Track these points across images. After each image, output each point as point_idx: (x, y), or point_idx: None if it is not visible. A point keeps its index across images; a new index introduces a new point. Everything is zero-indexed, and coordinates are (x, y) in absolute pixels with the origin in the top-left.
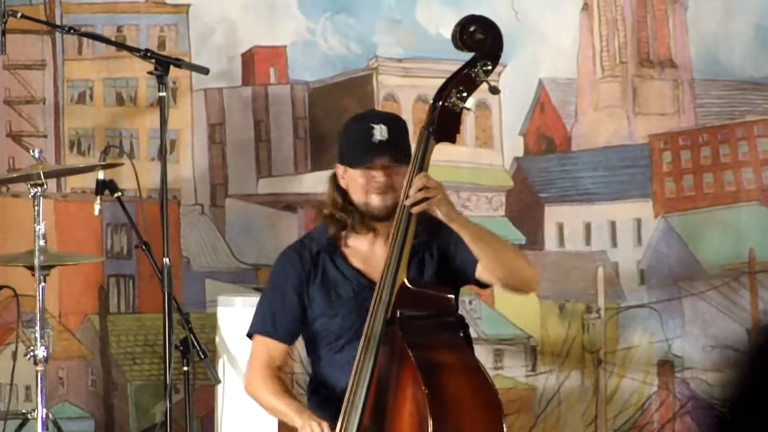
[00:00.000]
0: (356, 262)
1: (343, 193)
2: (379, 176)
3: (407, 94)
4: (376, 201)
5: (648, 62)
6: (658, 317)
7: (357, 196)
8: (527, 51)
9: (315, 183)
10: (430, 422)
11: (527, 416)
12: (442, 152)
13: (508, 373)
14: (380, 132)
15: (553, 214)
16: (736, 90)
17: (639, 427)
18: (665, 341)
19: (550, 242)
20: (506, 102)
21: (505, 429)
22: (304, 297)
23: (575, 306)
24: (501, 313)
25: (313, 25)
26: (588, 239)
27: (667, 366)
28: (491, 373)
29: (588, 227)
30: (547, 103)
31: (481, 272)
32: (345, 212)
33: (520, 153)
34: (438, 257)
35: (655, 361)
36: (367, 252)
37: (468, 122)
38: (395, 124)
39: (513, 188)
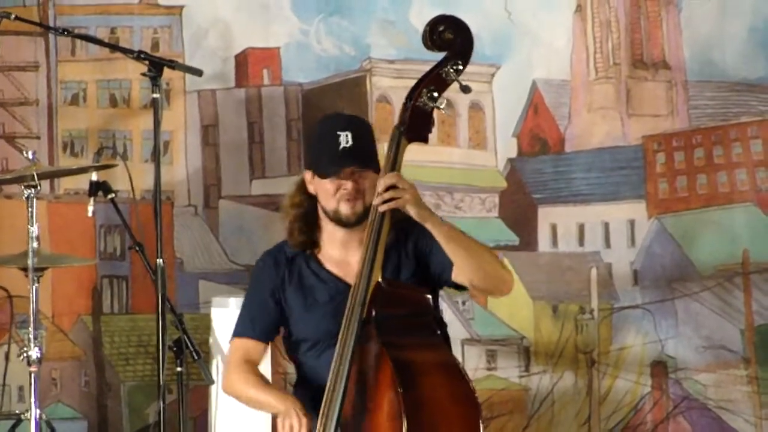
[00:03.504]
0: (331, 267)
1: (310, 199)
2: (347, 184)
3: (400, 96)
4: (345, 209)
5: (641, 64)
6: (652, 318)
7: (326, 204)
8: (521, 52)
9: None
10: (405, 421)
11: (520, 417)
12: (435, 153)
13: (502, 374)
14: (345, 140)
15: (547, 215)
16: (729, 91)
17: (632, 427)
18: (659, 342)
19: (544, 243)
20: (500, 103)
21: (481, 427)
22: (281, 301)
23: (569, 307)
24: (494, 313)
25: (306, 26)
26: (581, 240)
27: (660, 366)
28: (484, 373)
29: (581, 228)
30: (540, 104)
31: (456, 274)
32: (307, 221)
33: (514, 154)
34: (414, 259)
35: (649, 361)
36: (341, 256)
37: (461, 124)
38: (360, 129)
39: (506, 189)
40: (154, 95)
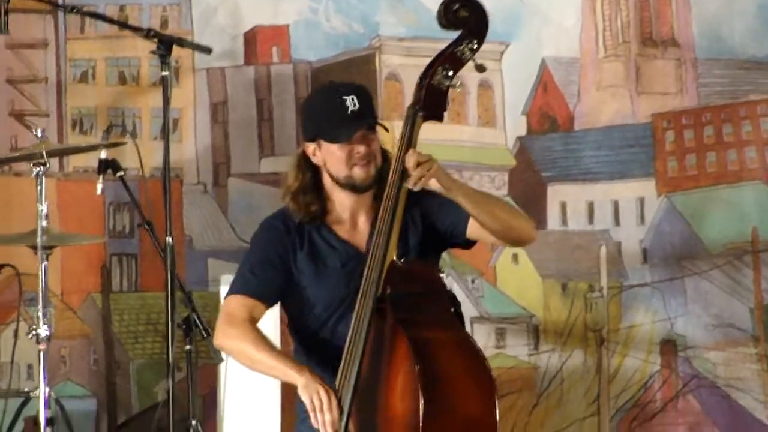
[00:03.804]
0: (342, 233)
1: (313, 172)
2: (359, 148)
3: (410, 74)
4: (360, 173)
5: (651, 41)
6: (661, 296)
7: (338, 170)
8: (530, 30)
9: None
10: (421, 397)
11: (529, 395)
12: (445, 131)
13: (511, 352)
14: (352, 103)
15: (556, 194)
16: (739, 69)
17: (641, 405)
18: (668, 320)
19: (553, 221)
20: (509, 81)
21: (497, 404)
22: (291, 265)
23: (578, 285)
24: (503, 291)
25: (315, 4)
26: (591, 218)
27: (669, 345)
28: (494, 351)
29: (591, 206)
30: (549, 82)
31: (473, 230)
32: (313, 195)
33: (523, 132)
34: (422, 224)
35: (658, 340)
36: (351, 222)
37: (471, 101)
38: (362, 92)
39: (516, 167)
40: (163, 73)
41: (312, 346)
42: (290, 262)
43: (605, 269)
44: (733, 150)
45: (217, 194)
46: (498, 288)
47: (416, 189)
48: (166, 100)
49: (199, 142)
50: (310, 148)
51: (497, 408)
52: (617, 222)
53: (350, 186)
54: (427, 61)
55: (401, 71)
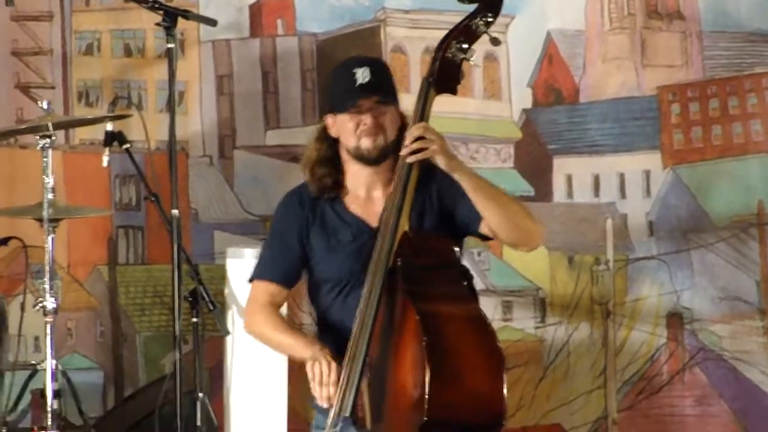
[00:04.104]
0: (355, 208)
1: (331, 145)
2: (366, 118)
3: (415, 46)
4: (366, 143)
5: (656, 14)
6: (667, 269)
7: (348, 142)
8: (535, 3)
9: None
10: (428, 370)
11: (536, 368)
12: (450, 104)
13: (517, 325)
14: (362, 75)
15: (562, 166)
16: (744, 42)
17: (648, 378)
18: (674, 293)
19: (559, 194)
20: (514, 54)
21: (505, 379)
22: (305, 242)
23: (584, 258)
24: (510, 264)
25: None
26: (597, 191)
27: (675, 318)
28: (500, 324)
29: (596, 179)
30: (555, 54)
31: (484, 226)
32: (329, 167)
33: (529, 105)
34: (439, 207)
35: (664, 312)
36: (365, 198)
37: (476, 74)
38: (377, 66)
39: (521, 140)
40: (169, 45)
41: (326, 319)
42: (304, 239)
43: (611, 242)
44: (738, 123)
45: (223, 167)
46: (504, 261)
47: (409, 160)
48: (172, 73)
49: (205, 115)
50: (329, 120)
51: (505, 384)
52: (623, 195)
53: (359, 157)
54: (433, 33)
55: (406, 43)
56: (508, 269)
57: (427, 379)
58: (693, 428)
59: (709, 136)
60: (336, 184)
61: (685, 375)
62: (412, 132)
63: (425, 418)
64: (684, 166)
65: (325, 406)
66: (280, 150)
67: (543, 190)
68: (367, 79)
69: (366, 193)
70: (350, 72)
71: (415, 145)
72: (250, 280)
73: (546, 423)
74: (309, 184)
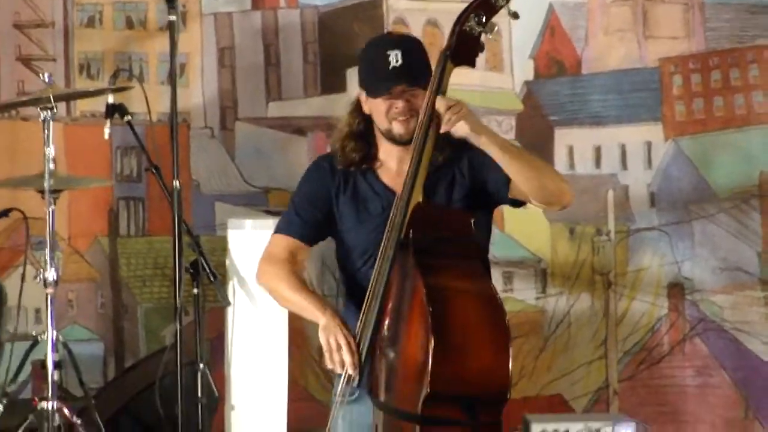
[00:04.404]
0: (387, 180)
1: (364, 119)
2: (398, 103)
3: (417, 18)
4: (398, 128)
5: None
6: (668, 240)
7: (380, 123)
8: None
9: (324, 106)
10: (432, 340)
11: (537, 338)
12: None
13: (518, 296)
14: (395, 58)
15: (564, 138)
16: (746, 13)
17: (649, 349)
18: (675, 264)
19: (561, 165)
20: (516, 25)
21: (510, 356)
22: (334, 208)
23: (585, 228)
24: (511, 235)
25: None
26: (598, 162)
27: (677, 288)
28: (501, 295)
29: (598, 150)
30: (557, 26)
31: (513, 190)
32: (360, 140)
33: (531, 76)
34: (470, 179)
35: (665, 283)
36: (396, 170)
37: None
38: (410, 47)
39: (523, 112)
40: (171, 17)
41: (351, 288)
42: (332, 204)
43: (612, 213)
44: (740, 94)
45: (225, 138)
46: (505, 232)
47: (444, 130)
48: (173, 45)
49: (206, 87)
50: (362, 96)
51: (510, 361)
52: (625, 166)
53: (391, 139)
54: (434, 5)
55: (408, 15)
56: (509, 240)
57: (430, 352)
58: (693, 398)
59: (710, 107)
60: (364, 159)
61: (686, 345)
62: (440, 106)
63: (427, 390)
64: (686, 137)
65: (339, 371)
66: (281, 122)
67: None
68: (399, 62)
69: (397, 166)
70: (383, 54)
71: (449, 115)
72: (276, 233)
73: (547, 393)
74: (336, 155)
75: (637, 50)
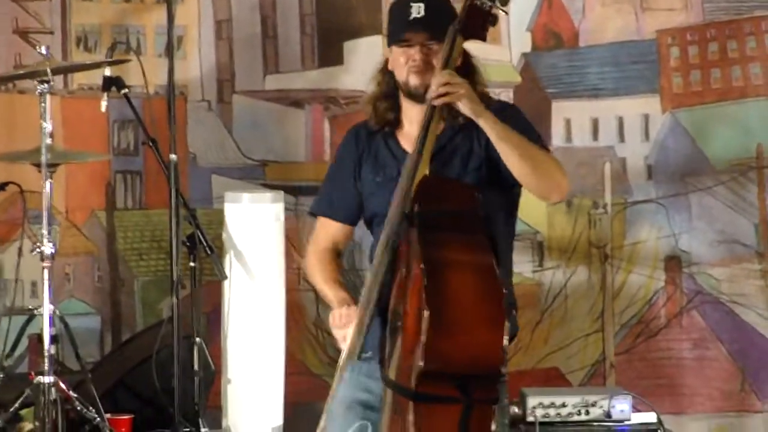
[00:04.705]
0: (405, 143)
1: (392, 78)
2: (415, 54)
3: None
4: (414, 80)
5: None
6: (665, 212)
7: (399, 75)
8: None
9: (322, 79)
10: (426, 316)
11: (533, 312)
12: None
13: (515, 269)
14: (417, 10)
15: (561, 110)
16: None
17: (646, 321)
18: (672, 236)
19: (558, 138)
20: None
21: (506, 332)
22: (357, 177)
23: (582, 201)
24: None
25: None
26: (595, 135)
27: (674, 261)
28: None
29: (595, 123)
30: None
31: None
32: (391, 102)
33: (528, 49)
34: (486, 153)
35: (662, 256)
36: (415, 134)
37: None
38: (435, 3)
39: (520, 84)
40: None
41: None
42: (356, 175)
43: (610, 185)
44: (737, 66)
45: (222, 111)
46: None
47: (435, 104)
48: (171, 17)
49: (204, 60)
50: (389, 52)
51: (505, 336)
52: (622, 138)
53: (408, 93)
54: None
55: None
56: None
57: (424, 326)
58: (691, 371)
59: (708, 79)
60: (397, 119)
61: (683, 318)
62: (439, 78)
63: (421, 365)
64: (683, 109)
65: (343, 346)
66: (278, 95)
67: (542, 135)
68: (420, 14)
69: (417, 131)
70: (407, 5)
71: (442, 90)
72: (310, 213)
73: (543, 366)
74: (370, 117)
75: (634, 22)
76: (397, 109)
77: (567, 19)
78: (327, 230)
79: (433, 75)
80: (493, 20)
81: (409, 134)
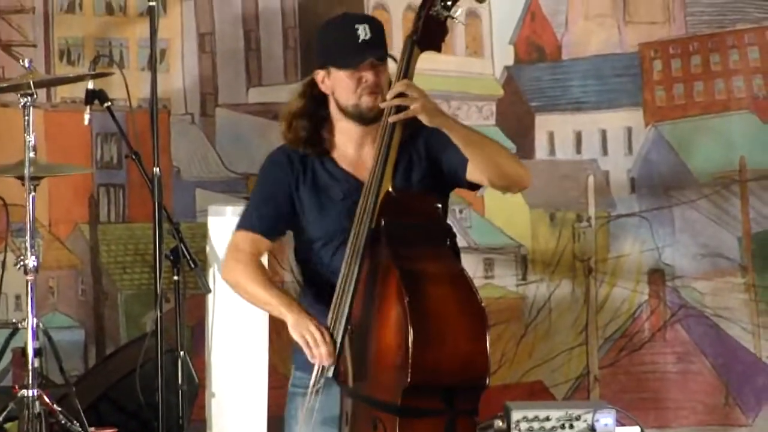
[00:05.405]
0: (346, 165)
1: (315, 101)
2: (369, 76)
3: (397, 4)
4: (367, 101)
5: None
6: (649, 226)
7: (345, 99)
8: None
9: None
10: (411, 331)
11: (517, 325)
12: (432, 61)
13: (499, 282)
14: (364, 32)
15: (544, 123)
16: None
17: (629, 335)
18: (656, 250)
19: (541, 151)
20: (496, 10)
21: (488, 340)
22: (295, 199)
23: (566, 215)
24: (491, 222)
25: None
26: (578, 148)
27: (657, 274)
28: (481, 282)
29: (578, 136)
30: (537, 11)
31: (471, 173)
32: (309, 120)
33: (511, 62)
34: (426, 160)
35: (646, 269)
36: (355, 154)
37: (458, 31)
38: (375, 23)
39: (503, 97)
40: (151, 3)
41: (312, 279)
42: (293, 195)
43: (593, 199)
44: (720, 79)
45: (205, 124)
46: (486, 218)
47: (390, 121)
48: (154, 31)
49: (187, 73)
50: (320, 75)
51: (488, 344)
52: (605, 151)
53: (357, 115)
54: None
55: (389, 1)
56: (490, 226)
57: (410, 341)
58: (674, 385)
59: (691, 92)
60: (313, 140)
61: (667, 332)
62: (394, 89)
63: (408, 380)
64: (666, 122)
65: (326, 364)
66: (261, 108)
67: (525, 148)
68: (369, 36)
69: (355, 151)
70: (352, 28)
71: (396, 101)
72: (239, 228)
73: (527, 380)
74: (284, 135)
75: (617, 35)
76: (314, 130)
77: (550, 32)
78: (250, 241)
79: (382, 96)
80: (447, 31)
81: (345, 155)
